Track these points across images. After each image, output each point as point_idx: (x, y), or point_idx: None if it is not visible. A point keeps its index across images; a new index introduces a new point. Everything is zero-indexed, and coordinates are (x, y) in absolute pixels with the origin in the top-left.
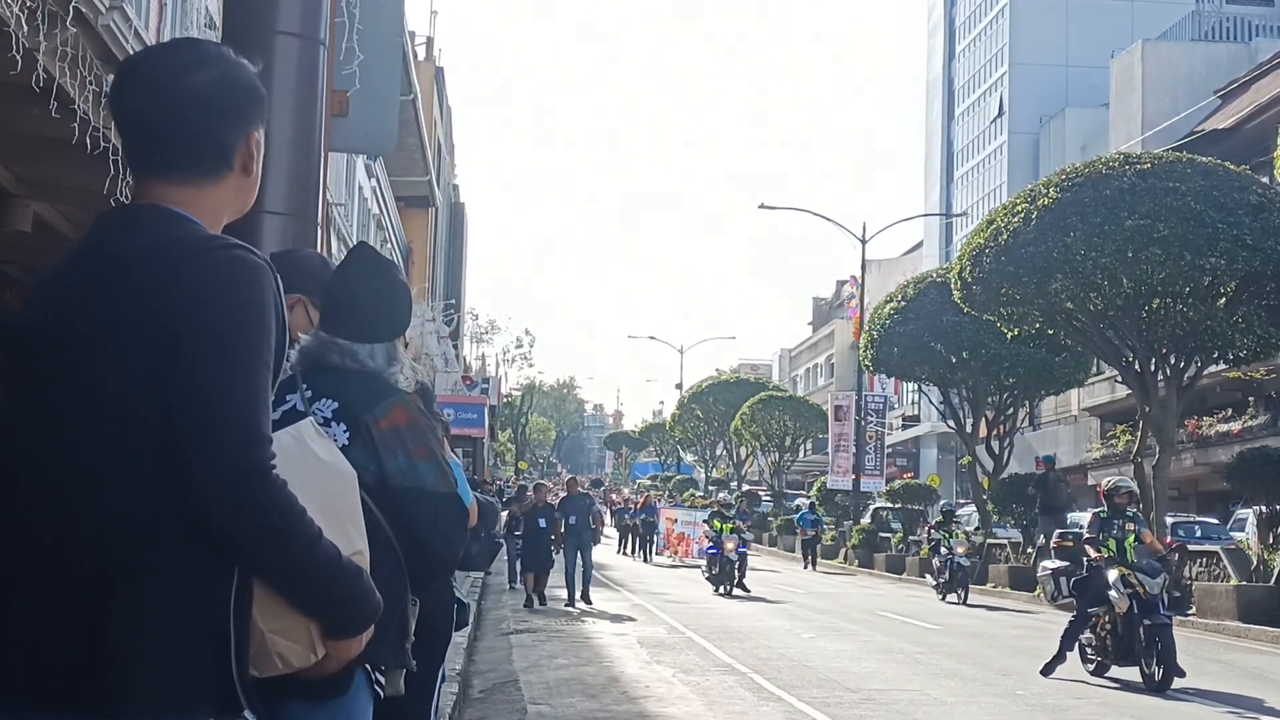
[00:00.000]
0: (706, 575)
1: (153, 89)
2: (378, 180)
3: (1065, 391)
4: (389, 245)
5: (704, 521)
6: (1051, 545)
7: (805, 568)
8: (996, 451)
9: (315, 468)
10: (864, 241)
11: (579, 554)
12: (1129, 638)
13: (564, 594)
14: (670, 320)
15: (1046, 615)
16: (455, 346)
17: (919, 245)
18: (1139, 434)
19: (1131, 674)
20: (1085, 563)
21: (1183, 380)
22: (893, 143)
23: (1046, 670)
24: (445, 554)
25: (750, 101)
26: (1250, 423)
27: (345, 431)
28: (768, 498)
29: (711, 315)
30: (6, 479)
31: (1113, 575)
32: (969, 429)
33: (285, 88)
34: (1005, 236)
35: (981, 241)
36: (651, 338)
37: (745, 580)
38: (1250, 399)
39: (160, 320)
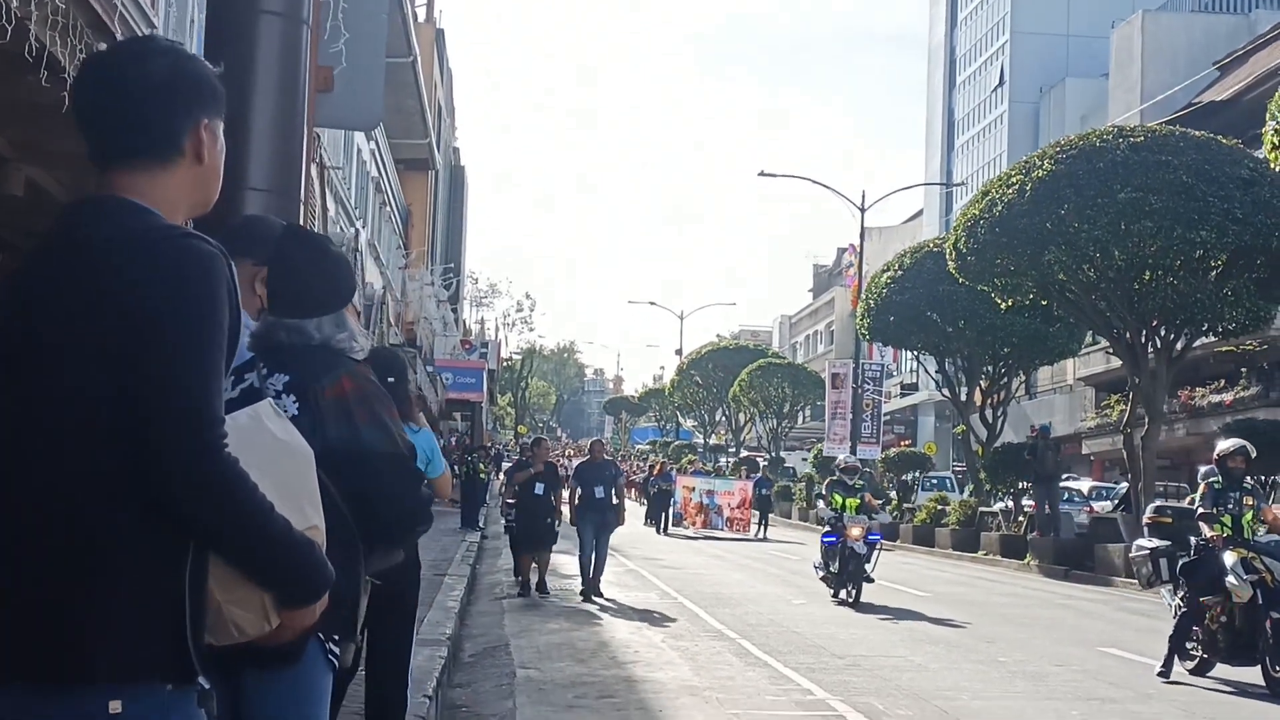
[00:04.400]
0: (821, 574)
1: (103, 81)
2: (377, 143)
3: (1060, 361)
4: (388, 209)
5: (818, 497)
6: (1145, 521)
7: None
8: (990, 420)
9: (271, 446)
10: (863, 210)
11: (596, 536)
12: (1249, 633)
13: (574, 582)
14: (671, 286)
15: (1036, 583)
16: (455, 310)
17: (920, 213)
18: (1129, 404)
19: (1239, 674)
20: (1195, 544)
21: (1172, 352)
22: (896, 111)
23: (1164, 673)
24: (393, 513)
25: (752, 66)
26: (1242, 394)
27: (295, 402)
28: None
29: (712, 282)
30: None
31: (1230, 559)
32: (964, 398)
33: (269, 67)
34: (1000, 208)
35: (976, 212)
36: (652, 303)
37: (868, 580)
38: (1242, 370)
39: (116, 309)
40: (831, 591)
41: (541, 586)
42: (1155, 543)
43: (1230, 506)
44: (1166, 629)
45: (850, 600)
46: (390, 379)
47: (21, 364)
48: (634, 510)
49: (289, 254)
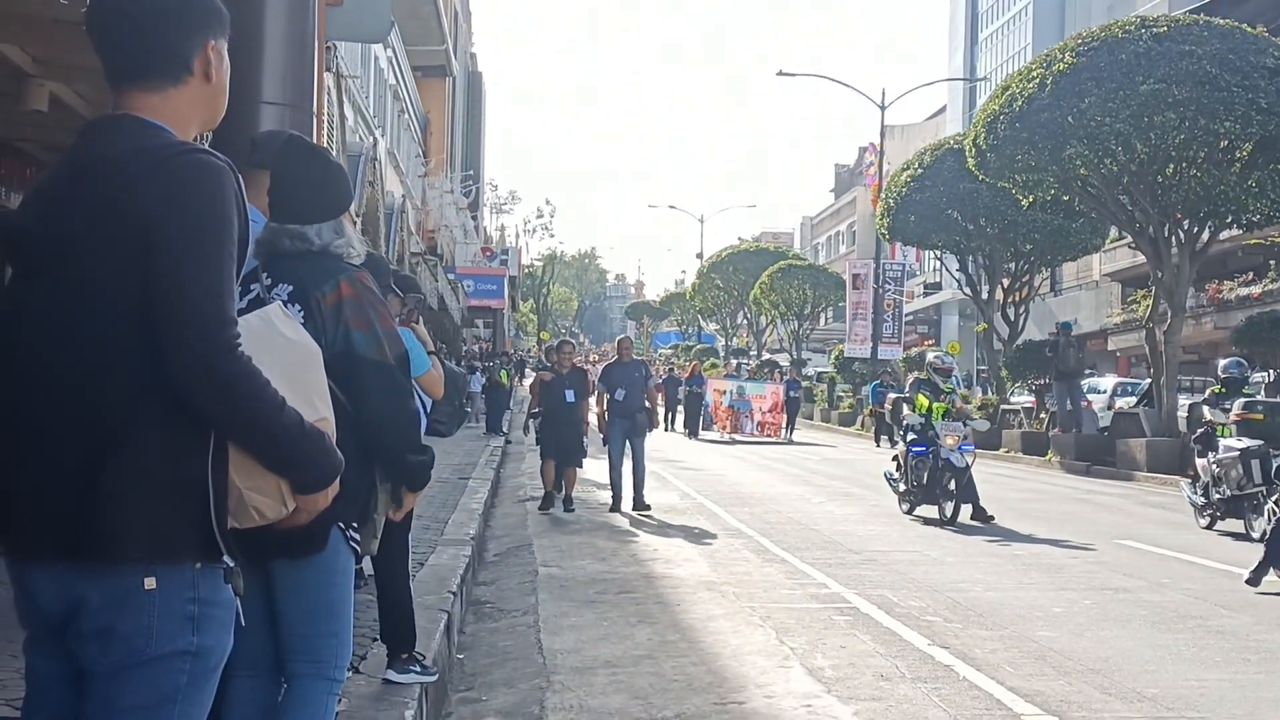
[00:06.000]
0: (901, 488)
1: (115, 7)
2: (394, 51)
3: (1084, 257)
4: (407, 116)
5: (900, 398)
6: (1233, 419)
7: (879, 445)
8: (1012, 318)
9: (281, 345)
10: (883, 108)
11: (628, 442)
12: None
13: (605, 495)
14: (691, 189)
15: (1058, 479)
16: (475, 218)
17: (943, 110)
18: (1152, 299)
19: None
20: None
21: (1196, 245)
22: (919, 5)
23: (1253, 580)
24: (382, 418)
25: None
26: (1270, 286)
27: (299, 311)
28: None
29: (733, 185)
30: (13, 363)
31: None
32: (986, 296)
33: None
34: (1020, 103)
35: (996, 108)
36: (671, 207)
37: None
38: (1270, 263)
39: (134, 220)
40: (905, 508)
41: (568, 503)
42: (1246, 443)
43: None
44: (1185, 521)
45: (947, 519)
46: None
47: (53, 270)
48: None
49: (289, 163)
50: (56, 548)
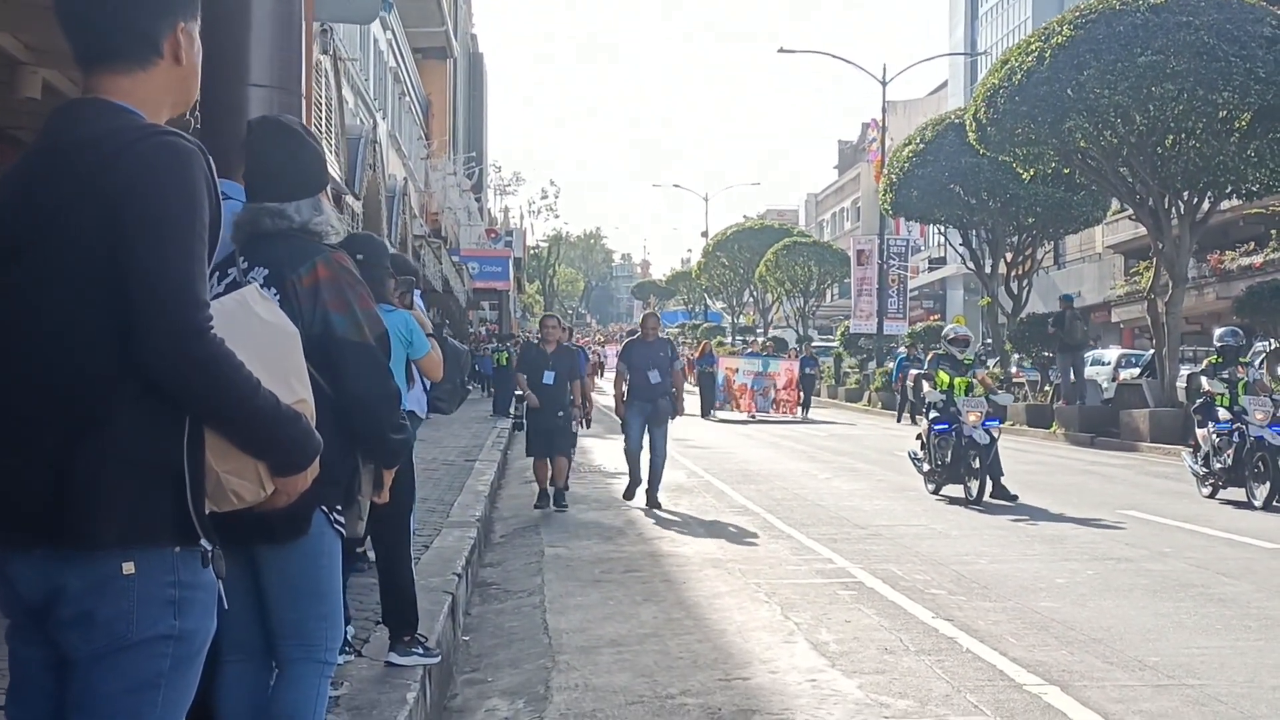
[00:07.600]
0: (926, 468)
1: None
2: (393, 33)
3: (1086, 230)
4: (408, 99)
5: (919, 376)
6: None
7: (899, 421)
8: (1015, 292)
9: (257, 327)
10: (884, 83)
11: (647, 431)
12: None
13: (612, 481)
14: (695, 169)
15: (1062, 451)
16: (479, 200)
17: (944, 85)
18: (1153, 270)
19: None
20: None
21: (1196, 216)
22: None
23: None
24: (364, 399)
25: None
26: (1272, 255)
27: (275, 294)
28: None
29: (737, 163)
30: None
31: None
32: (989, 270)
33: None
34: (1019, 76)
35: (996, 82)
36: (676, 186)
37: (1003, 481)
38: (1272, 232)
39: (103, 204)
40: (931, 488)
41: (559, 498)
42: None
43: None
44: (1187, 490)
45: (972, 498)
46: (359, 257)
47: (26, 253)
48: None
49: (260, 142)
50: (33, 535)
